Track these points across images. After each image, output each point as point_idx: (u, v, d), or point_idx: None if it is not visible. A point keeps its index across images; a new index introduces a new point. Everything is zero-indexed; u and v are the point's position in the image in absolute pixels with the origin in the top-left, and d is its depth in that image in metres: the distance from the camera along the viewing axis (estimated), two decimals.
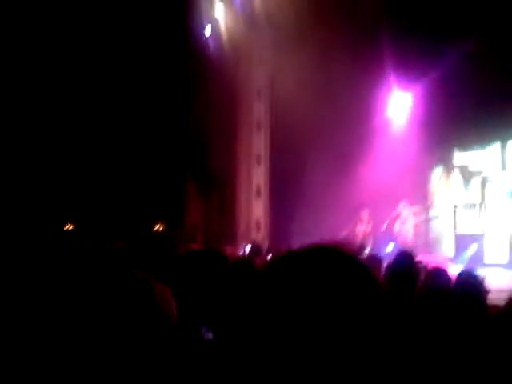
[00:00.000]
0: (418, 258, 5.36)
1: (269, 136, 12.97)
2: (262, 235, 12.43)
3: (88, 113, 11.69)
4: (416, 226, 12.25)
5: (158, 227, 12.42)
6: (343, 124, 12.06)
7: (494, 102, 10.83)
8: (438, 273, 4.14)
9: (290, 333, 0.79)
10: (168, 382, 1.43)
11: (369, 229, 11.85)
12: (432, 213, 13.66)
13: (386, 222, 11.97)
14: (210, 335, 2.24)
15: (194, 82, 12.12)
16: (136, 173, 11.99)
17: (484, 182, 12.88)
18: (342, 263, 0.86)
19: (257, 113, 13.01)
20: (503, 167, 12.47)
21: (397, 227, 11.81)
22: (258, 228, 12.62)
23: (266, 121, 13.01)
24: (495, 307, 3.52)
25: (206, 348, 1.69)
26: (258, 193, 12.72)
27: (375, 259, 4.93)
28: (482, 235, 12.46)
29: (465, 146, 13.21)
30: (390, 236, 11.71)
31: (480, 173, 12.97)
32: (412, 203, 12.49)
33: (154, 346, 1.48)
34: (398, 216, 11.94)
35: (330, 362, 0.77)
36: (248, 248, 7.49)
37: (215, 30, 12.87)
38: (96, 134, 11.75)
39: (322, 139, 11.79)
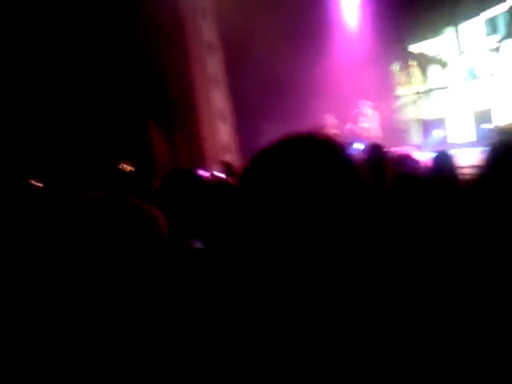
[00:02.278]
0: (387, 150, 5.46)
1: (222, 57, 12.64)
2: (232, 157, 12.39)
3: (47, 52, 11.01)
4: (380, 120, 12.33)
5: (126, 168, 12.25)
6: (296, 34, 11.77)
7: None
8: (404, 159, 4.24)
9: (277, 233, 0.75)
10: (163, 292, 1.49)
11: (335, 131, 11.89)
12: (395, 104, 13.75)
13: (349, 123, 12.03)
14: (199, 244, 2.27)
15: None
16: (96, 119, 11.61)
17: (443, 67, 12.89)
18: (325, 151, 0.81)
19: (207, 34, 12.58)
20: (459, 51, 12.44)
21: (361, 125, 11.88)
22: (228, 150, 12.55)
23: (217, 42, 12.62)
24: (467, 181, 3.69)
25: (197, 256, 1.75)
26: (222, 116, 12.56)
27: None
28: (446, 118, 12.64)
29: (419, 35, 13.08)
30: (355, 135, 11.77)
31: (438, 58, 12.95)
32: (373, 100, 12.50)
33: (152, 260, 1.54)
34: (360, 114, 11.97)
35: (319, 258, 0.75)
36: (220, 172, 7.43)
37: None
38: (53, 77, 11.15)
39: (277, 52, 11.51)
